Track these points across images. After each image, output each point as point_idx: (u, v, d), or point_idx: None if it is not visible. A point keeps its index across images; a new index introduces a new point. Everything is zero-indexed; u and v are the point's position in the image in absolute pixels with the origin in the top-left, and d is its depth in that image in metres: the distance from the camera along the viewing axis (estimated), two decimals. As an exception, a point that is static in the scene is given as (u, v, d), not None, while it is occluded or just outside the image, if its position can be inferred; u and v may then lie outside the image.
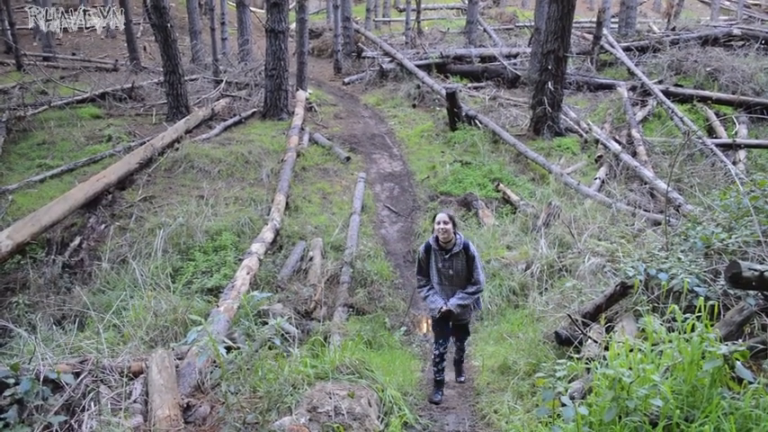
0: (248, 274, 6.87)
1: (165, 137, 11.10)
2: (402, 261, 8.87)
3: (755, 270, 3.19)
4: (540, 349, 5.20)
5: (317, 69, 20.91)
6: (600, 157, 10.92)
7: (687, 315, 3.23)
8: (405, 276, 8.45)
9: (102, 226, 8.56)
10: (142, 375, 4.29)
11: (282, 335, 4.48)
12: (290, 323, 6.17)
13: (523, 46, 18.85)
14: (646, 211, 8.49)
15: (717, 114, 12.97)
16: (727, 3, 31.63)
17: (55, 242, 8.14)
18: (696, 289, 3.98)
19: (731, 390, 2.98)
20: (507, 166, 11.19)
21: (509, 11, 28.62)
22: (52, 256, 7.80)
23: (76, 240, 8.25)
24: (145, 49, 22.35)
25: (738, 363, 2.89)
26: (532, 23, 17.82)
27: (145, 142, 10.95)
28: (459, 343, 5.54)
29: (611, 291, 4.84)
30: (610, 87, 14.96)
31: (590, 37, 18.21)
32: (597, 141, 11.38)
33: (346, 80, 18.81)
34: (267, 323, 4.21)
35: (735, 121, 12.62)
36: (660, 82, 14.43)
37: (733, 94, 13.55)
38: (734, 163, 10.36)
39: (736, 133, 12.09)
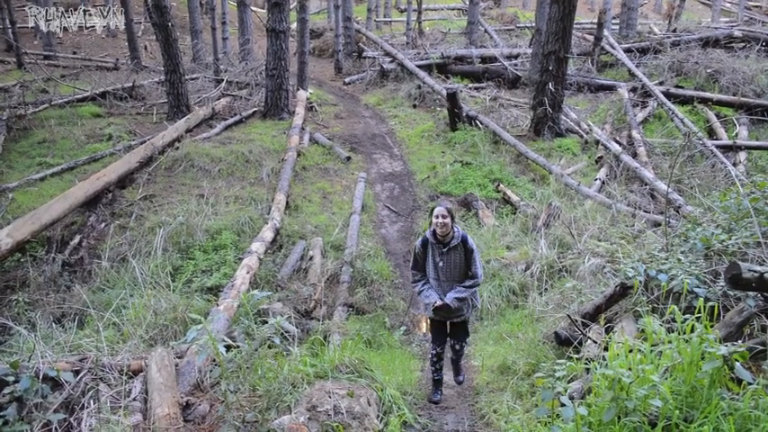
0: (248, 273, 6.87)
1: (166, 136, 11.10)
2: (402, 261, 8.87)
3: (755, 271, 3.19)
4: (539, 349, 5.19)
5: (318, 69, 20.91)
6: (600, 157, 10.92)
7: (687, 316, 3.24)
8: (405, 276, 8.44)
9: (103, 224, 8.56)
10: (142, 374, 4.30)
11: (282, 334, 4.49)
12: (290, 322, 6.18)
13: (524, 47, 18.85)
14: (646, 212, 8.50)
15: (717, 116, 12.98)
16: (728, 4, 31.66)
17: (55, 240, 8.15)
18: (696, 290, 3.98)
19: (730, 390, 2.98)
20: (508, 167, 11.20)
21: (510, 12, 28.64)
22: (52, 255, 7.81)
23: (76, 239, 8.25)
24: (146, 48, 22.35)
25: (738, 364, 2.89)
26: (533, 24, 17.84)
27: (145, 141, 10.94)
28: (458, 344, 5.30)
29: (610, 291, 4.84)
30: (610, 88, 14.95)
31: (591, 38, 18.19)
32: (598, 142, 11.39)
33: (347, 80, 18.81)
34: (267, 322, 4.23)
35: (735, 122, 12.63)
36: (661, 83, 14.44)
37: (733, 95, 13.56)
38: (734, 164, 10.37)
39: (736, 135, 12.10)
